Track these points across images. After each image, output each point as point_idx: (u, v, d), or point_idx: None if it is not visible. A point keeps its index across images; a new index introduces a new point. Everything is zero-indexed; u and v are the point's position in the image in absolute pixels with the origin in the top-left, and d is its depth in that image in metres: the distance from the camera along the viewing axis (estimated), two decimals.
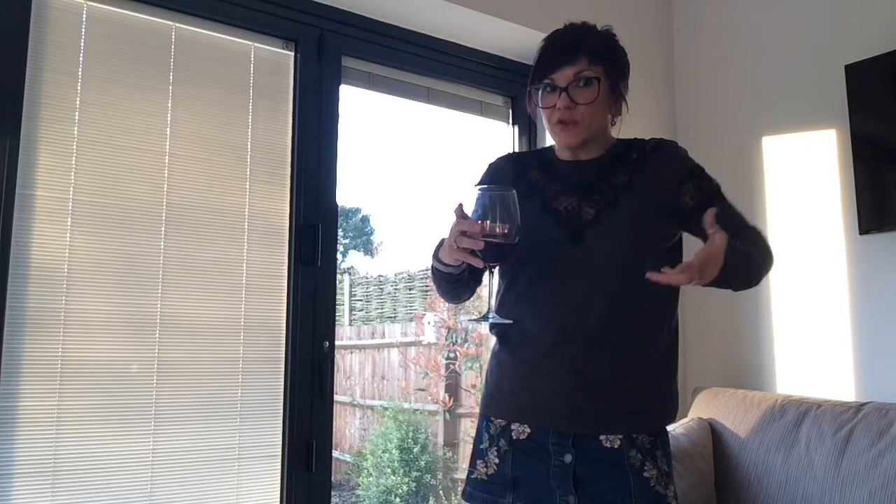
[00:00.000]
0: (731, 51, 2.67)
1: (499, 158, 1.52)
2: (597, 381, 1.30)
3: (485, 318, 1.30)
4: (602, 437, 1.29)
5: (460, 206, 1.23)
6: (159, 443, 1.76)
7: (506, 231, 1.21)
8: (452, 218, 1.23)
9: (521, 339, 1.36)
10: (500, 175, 1.46)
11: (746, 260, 1.25)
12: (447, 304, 5.03)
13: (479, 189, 1.24)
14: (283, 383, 1.95)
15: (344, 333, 6.20)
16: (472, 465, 1.40)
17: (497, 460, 1.35)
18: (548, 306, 1.33)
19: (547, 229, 1.36)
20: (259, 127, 2.00)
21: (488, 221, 1.20)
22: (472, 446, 1.44)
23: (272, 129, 2.02)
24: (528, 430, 1.33)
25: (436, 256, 1.34)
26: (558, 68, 1.33)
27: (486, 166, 1.51)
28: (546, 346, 1.32)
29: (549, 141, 1.49)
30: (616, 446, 1.29)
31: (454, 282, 1.38)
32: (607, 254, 1.32)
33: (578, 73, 1.32)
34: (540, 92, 1.37)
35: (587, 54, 1.33)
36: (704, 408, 2.32)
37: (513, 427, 1.35)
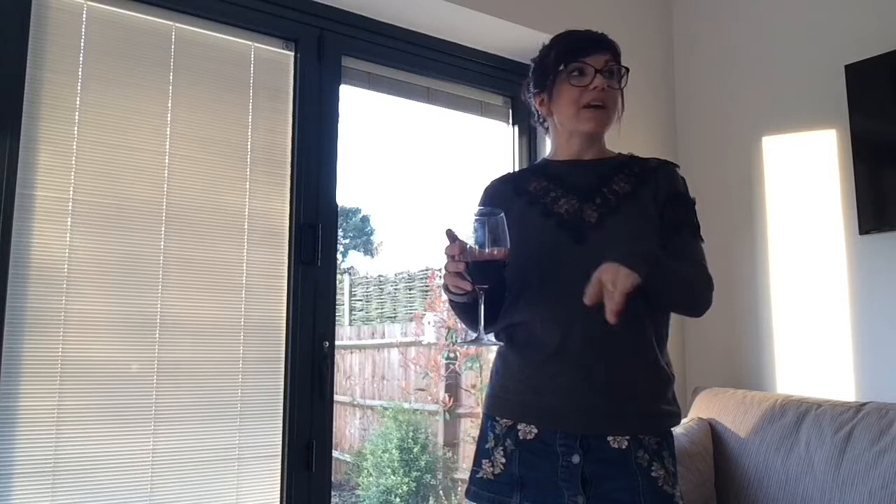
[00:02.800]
0: (731, 51, 2.67)
1: (493, 181, 1.52)
2: (604, 382, 1.31)
3: (476, 340, 1.30)
4: (609, 438, 1.30)
5: (449, 230, 1.24)
6: (159, 443, 1.76)
7: (494, 253, 1.21)
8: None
9: (528, 341, 1.36)
10: (498, 197, 1.46)
11: (676, 275, 1.32)
12: (447, 305, 5.03)
13: (474, 216, 1.25)
14: (283, 383, 1.95)
15: (344, 333, 6.20)
16: (477, 464, 1.40)
17: (503, 460, 1.35)
18: (554, 308, 1.34)
19: (550, 233, 1.37)
20: (259, 127, 2.00)
21: (472, 244, 1.22)
22: (473, 446, 1.44)
23: (272, 129, 2.02)
24: (536, 431, 1.33)
25: (445, 287, 1.33)
26: (592, 53, 1.38)
27: (482, 192, 1.52)
28: (553, 347, 1.32)
29: (549, 144, 1.50)
30: (623, 447, 1.29)
31: (470, 311, 1.36)
32: (611, 255, 1.32)
33: (608, 62, 1.38)
34: (567, 73, 1.39)
35: (612, 51, 1.40)
36: (704, 408, 2.32)
37: (519, 427, 1.35)
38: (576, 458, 1.29)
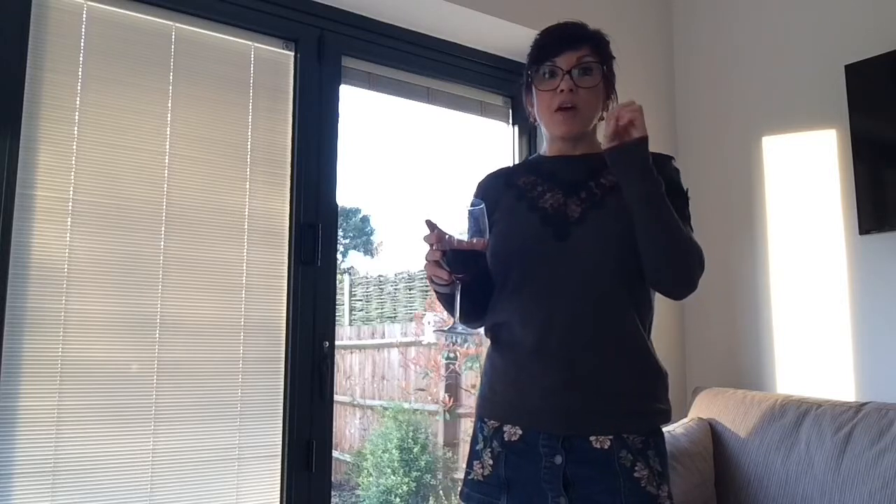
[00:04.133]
0: (731, 51, 2.67)
1: (486, 176, 1.52)
2: (586, 381, 1.29)
3: (451, 329, 1.32)
4: (592, 438, 1.28)
5: (428, 219, 1.25)
6: (159, 443, 1.76)
7: (473, 242, 1.24)
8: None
9: (511, 341, 1.35)
10: (490, 191, 1.46)
11: (676, 220, 1.29)
12: None
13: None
14: (283, 383, 1.95)
15: (344, 333, 6.19)
16: (469, 465, 1.40)
17: (491, 461, 1.35)
18: (535, 305, 1.33)
19: (533, 228, 1.36)
20: (259, 127, 2.00)
21: (451, 233, 1.24)
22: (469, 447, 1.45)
23: (272, 129, 2.02)
24: (520, 432, 1.33)
25: (429, 278, 1.33)
26: (562, 52, 1.36)
27: (476, 185, 1.52)
28: (534, 346, 1.31)
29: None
30: (606, 447, 1.28)
31: (455, 302, 1.35)
32: (593, 252, 1.32)
33: (581, 59, 1.36)
34: (539, 76, 1.38)
35: (590, 43, 1.37)
36: (704, 408, 2.32)
37: (505, 428, 1.35)
38: (558, 459, 1.28)
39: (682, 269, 1.33)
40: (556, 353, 1.30)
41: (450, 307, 1.38)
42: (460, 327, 1.32)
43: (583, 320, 1.31)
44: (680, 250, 1.31)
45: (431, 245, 1.25)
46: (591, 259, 1.32)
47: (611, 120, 1.29)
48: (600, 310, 1.31)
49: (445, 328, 1.37)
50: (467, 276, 1.28)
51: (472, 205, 1.26)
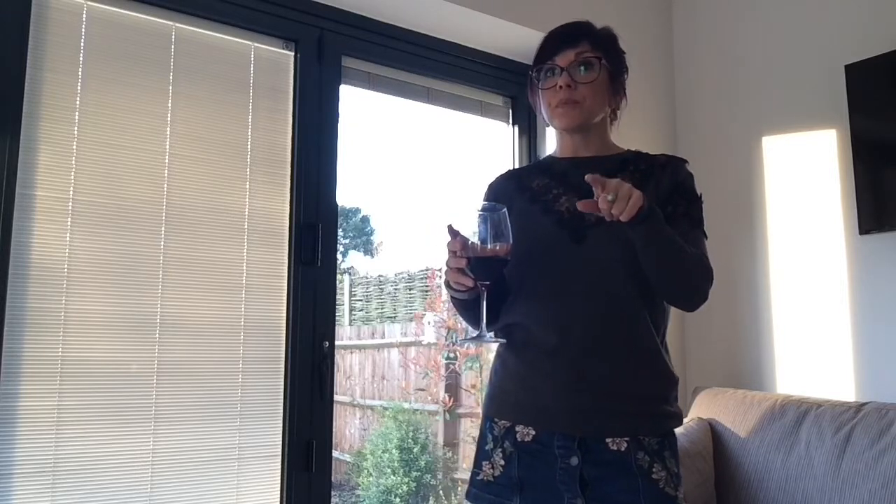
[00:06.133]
0: (730, 50, 2.67)
1: (497, 178, 1.52)
2: (600, 382, 1.29)
3: (479, 337, 1.30)
4: (608, 440, 1.28)
5: (450, 225, 1.24)
6: (159, 443, 1.76)
7: (497, 248, 1.22)
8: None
9: (525, 340, 1.35)
10: (501, 193, 1.45)
11: (675, 244, 1.26)
12: (447, 304, 5.03)
13: (477, 211, 1.25)
14: (283, 383, 1.95)
15: (344, 333, 6.19)
16: (477, 465, 1.39)
17: (503, 462, 1.34)
18: (550, 307, 1.33)
19: (549, 231, 1.36)
20: (259, 127, 2.00)
21: (475, 240, 1.22)
22: (473, 446, 1.43)
23: (272, 129, 2.02)
24: (533, 433, 1.32)
25: (447, 283, 1.33)
26: (560, 51, 1.37)
27: (486, 187, 1.51)
28: (549, 347, 1.31)
29: (549, 141, 1.49)
30: (623, 449, 1.27)
31: (471, 308, 1.35)
32: (609, 254, 1.32)
33: (580, 55, 1.36)
34: (541, 76, 1.40)
35: (589, 40, 1.38)
36: (704, 408, 2.32)
37: (517, 429, 1.34)
38: (574, 461, 1.28)
39: (688, 289, 1.34)
40: (569, 354, 1.30)
41: (469, 313, 1.37)
42: (488, 335, 1.30)
43: (596, 321, 1.30)
44: (684, 271, 1.31)
45: (454, 252, 1.23)
46: (606, 261, 1.31)
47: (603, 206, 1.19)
48: (614, 311, 1.31)
49: (473, 336, 1.35)
50: (493, 283, 1.27)
51: (489, 209, 1.23)
